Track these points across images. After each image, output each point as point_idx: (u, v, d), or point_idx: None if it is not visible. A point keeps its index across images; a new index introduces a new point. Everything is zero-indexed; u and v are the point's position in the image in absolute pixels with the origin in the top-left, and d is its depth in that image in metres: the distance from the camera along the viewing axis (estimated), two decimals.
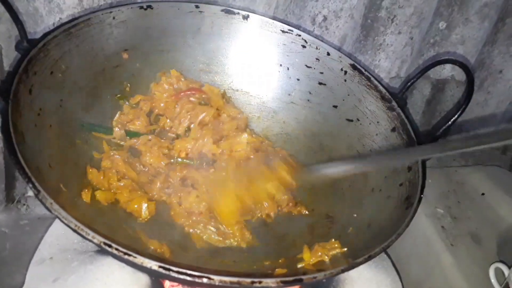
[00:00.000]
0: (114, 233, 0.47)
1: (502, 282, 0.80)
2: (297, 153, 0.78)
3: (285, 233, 0.66)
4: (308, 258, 0.56)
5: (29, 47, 0.58)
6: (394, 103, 0.69)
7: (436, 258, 0.88)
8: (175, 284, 0.68)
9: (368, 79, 0.74)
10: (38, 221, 0.95)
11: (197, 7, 0.76)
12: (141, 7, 0.72)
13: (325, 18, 0.97)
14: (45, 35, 0.61)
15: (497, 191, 1.01)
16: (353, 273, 0.61)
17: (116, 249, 0.40)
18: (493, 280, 0.81)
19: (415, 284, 0.88)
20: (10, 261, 0.88)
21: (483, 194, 1.02)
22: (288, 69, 0.80)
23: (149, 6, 0.73)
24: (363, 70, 0.75)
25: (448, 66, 1.19)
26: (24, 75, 0.55)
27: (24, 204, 1.00)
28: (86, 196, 0.58)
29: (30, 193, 1.01)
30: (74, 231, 0.41)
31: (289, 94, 0.81)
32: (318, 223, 0.67)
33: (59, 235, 0.62)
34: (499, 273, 0.82)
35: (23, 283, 0.65)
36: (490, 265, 0.83)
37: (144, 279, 0.54)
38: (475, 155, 1.27)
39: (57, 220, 0.68)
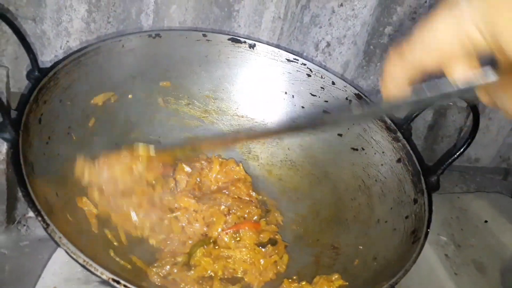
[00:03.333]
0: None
1: None
2: (302, 180, 0.78)
3: (289, 264, 0.65)
4: None
5: (40, 77, 0.58)
6: (399, 133, 0.70)
7: (440, 286, 0.87)
8: None
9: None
10: (38, 243, 0.94)
11: (204, 35, 0.77)
12: (150, 35, 0.73)
13: (328, 44, 0.99)
14: (56, 64, 0.61)
15: (500, 218, 1.01)
16: None
17: (125, 285, 0.39)
18: None
19: None
20: (9, 282, 0.87)
21: (486, 221, 1.01)
22: (293, 96, 0.81)
23: (158, 35, 0.74)
24: (368, 100, 0.76)
25: None
26: (35, 105, 0.56)
27: (24, 225, 0.99)
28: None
29: (31, 214, 1.00)
30: (83, 266, 0.41)
31: (293, 121, 0.81)
32: (323, 254, 0.66)
33: (62, 263, 0.61)
34: None
35: None
36: None
37: None
38: (477, 181, 1.27)
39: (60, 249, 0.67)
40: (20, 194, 0.97)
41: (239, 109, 0.82)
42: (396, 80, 0.36)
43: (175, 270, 0.59)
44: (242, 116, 0.83)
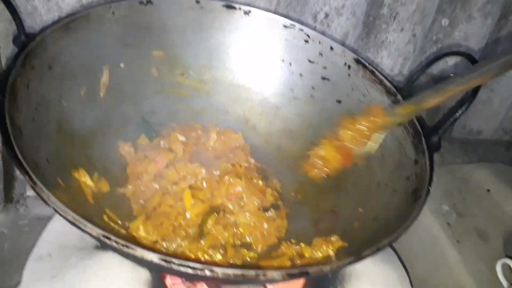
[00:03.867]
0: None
1: (509, 277, 0.79)
2: (300, 149, 0.76)
3: (288, 229, 0.64)
4: (309, 253, 0.55)
5: (27, 41, 0.57)
6: (399, 96, 0.68)
7: (442, 254, 0.86)
8: (177, 282, 0.66)
9: (373, 73, 0.73)
10: (37, 221, 0.94)
11: (197, 2, 0.75)
12: (141, 2, 0.71)
13: (326, 15, 0.96)
14: (43, 29, 0.60)
15: (502, 187, 1.00)
16: (359, 268, 0.60)
17: (116, 241, 0.38)
18: (500, 276, 0.80)
19: (421, 281, 0.87)
20: (9, 261, 0.87)
21: (488, 190, 1.00)
22: (290, 64, 0.79)
23: (149, 2, 0.72)
24: (367, 64, 0.74)
25: (451, 63, 1.18)
26: (22, 69, 0.54)
27: (23, 204, 0.99)
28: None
29: (29, 193, 1.00)
30: (72, 223, 0.40)
31: (291, 90, 0.80)
32: (322, 219, 0.65)
33: (57, 233, 0.60)
34: (506, 268, 0.81)
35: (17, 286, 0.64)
36: (497, 261, 0.82)
37: (145, 274, 0.53)
38: (479, 152, 1.26)
39: (55, 218, 0.67)
40: (17, 173, 0.97)
41: (235, 78, 0.81)
42: None
43: (185, 243, 0.58)
44: (239, 86, 0.81)
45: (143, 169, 0.66)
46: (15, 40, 0.57)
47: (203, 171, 0.64)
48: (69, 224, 0.62)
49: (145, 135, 0.72)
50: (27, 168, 0.42)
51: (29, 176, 0.42)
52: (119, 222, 0.56)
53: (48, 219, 0.75)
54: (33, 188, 0.41)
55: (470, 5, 1.07)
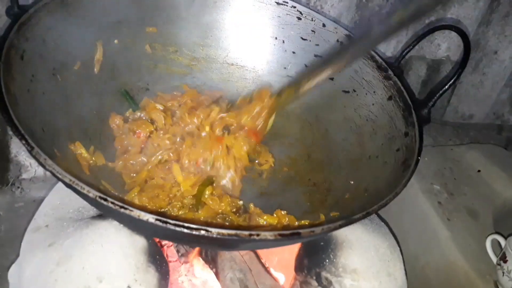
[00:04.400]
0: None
1: (498, 253, 0.80)
2: (293, 126, 0.77)
3: (281, 202, 0.65)
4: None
5: (20, 13, 0.57)
6: (390, 72, 0.69)
7: (433, 232, 0.88)
8: (173, 255, 0.67)
9: None
10: (33, 204, 0.94)
11: None
12: None
13: None
14: (36, 1, 0.60)
15: (493, 167, 1.01)
16: (351, 236, 0.61)
17: (112, 202, 0.39)
18: (490, 251, 0.82)
19: (413, 257, 0.88)
20: (5, 243, 0.87)
21: (479, 171, 1.02)
22: (283, 42, 0.79)
23: None
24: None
25: (443, 46, 1.19)
26: (15, 40, 0.54)
27: (18, 187, 0.99)
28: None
29: (25, 175, 1.00)
30: (69, 186, 0.41)
31: (284, 68, 0.80)
32: (314, 192, 0.66)
33: (54, 205, 0.61)
34: (495, 244, 0.83)
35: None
36: (486, 237, 0.83)
37: (141, 241, 0.54)
38: (471, 136, 1.27)
39: (51, 193, 0.67)
40: (12, 155, 0.97)
41: (228, 56, 0.81)
42: None
43: (181, 212, 0.58)
44: (232, 64, 0.81)
45: (128, 143, 0.66)
46: (8, 11, 0.57)
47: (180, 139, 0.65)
48: (65, 198, 0.63)
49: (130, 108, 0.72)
50: (23, 132, 0.43)
51: (26, 140, 0.42)
52: (116, 194, 0.57)
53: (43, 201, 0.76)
54: (30, 152, 0.41)
55: None
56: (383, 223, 0.68)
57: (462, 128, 1.28)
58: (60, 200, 0.61)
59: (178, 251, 0.67)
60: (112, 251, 0.51)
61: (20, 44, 0.55)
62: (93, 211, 0.59)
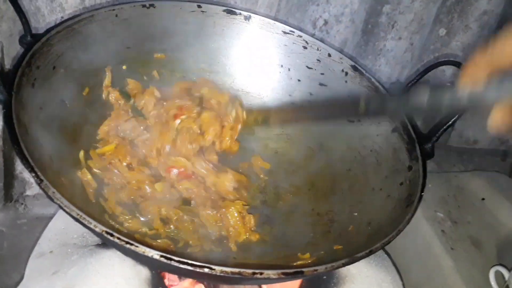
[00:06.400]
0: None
1: (502, 285, 0.80)
2: (297, 153, 0.78)
3: (284, 231, 0.66)
4: (308, 257, 0.56)
5: (33, 42, 0.58)
6: None
7: (436, 261, 0.87)
8: (174, 283, 0.67)
9: (369, 80, 0.74)
10: (35, 221, 0.94)
11: (199, 6, 0.76)
12: (144, 5, 0.73)
13: (326, 22, 0.98)
14: (48, 30, 0.61)
15: (497, 196, 1.01)
16: (354, 270, 0.61)
17: (118, 238, 0.39)
18: (493, 283, 0.81)
19: (415, 287, 0.87)
20: (8, 259, 0.87)
21: (483, 199, 1.02)
22: (289, 70, 0.81)
23: (152, 5, 0.73)
24: (364, 72, 0.75)
25: (448, 72, 1.20)
26: (27, 69, 0.55)
27: (22, 204, 1.00)
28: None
29: (28, 192, 1.01)
30: (76, 220, 0.41)
31: (289, 95, 0.81)
32: (318, 222, 0.67)
33: (58, 230, 0.61)
34: (499, 276, 0.82)
35: (20, 282, 0.65)
36: (490, 268, 0.83)
37: (145, 272, 0.54)
38: (475, 162, 1.27)
39: (56, 216, 0.68)
40: (17, 172, 0.98)
41: (234, 82, 0.82)
42: (474, 75, 0.42)
43: None
44: (238, 90, 0.82)
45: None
46: (21, 40, 0.58)
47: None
48: (69, 223, 0.63)
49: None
50: (34, 166, 0.44)
51: (35, 173, 0.43)
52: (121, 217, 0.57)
53: (46, 218, 0.76)
54: (39, 185, 0.42)
55: (467, 15, 1.09)
56: (386, 255, 0.68)
57: (466, 153, 1.28)
58: (65, 224, 0.61)
59: (179, 277, 0.67)
60: (116, 281, 0.51)
61: (31, 73, 0.56)
62: (96, 238, 0.60)
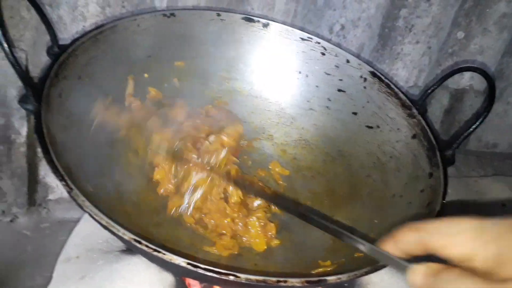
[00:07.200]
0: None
1: None
2: (316, 159, 0.78)
3: (303, 238, 0.66)
4: (329, 264, 0.57)
5: (60, 52, 0.60)
6: (414, 110, 0.70)
7: None
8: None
9: (388, 86, 0.74)
10: (58, 225, 0.96)
11: (218, 15, 0.77)
12: (165, 15, 0.74)
13: (342, 27, 0.98)
14: (74, 41, 0.63)
15: None
16: (375, 278, 0.61)
17: (146, 245, 0.41)
18: None
19: None
20: (31, 263, 0.89)
21: (503, 205, 1.00)
22: (307, 76, 0.81)
23: (172, 14, 0.75)
24: (382, 77, 0.75)
25: (466, 76, 1.19)
26: (55, 79, 0.57)
27: (45, 208, 1.02)
28: None
29: (51, 196, 1.03)
30: (105, 227, 0.42)
31: (308, 101, 0.81)
32: None
33: (84, 236, 0.63)
34: None
35: (43, 285, 0.66)
36: None
37: (169, 278, 0.55)
38: (494, 166, 1.25)
39: (81, 222, 0.69)
40: (40, 177, 1.00)
41: (253, 89, 0.83)
42: (401, 244, 0.43)
43: None
44: (256, 97, 0.83)
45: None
46: (48, 51, 0.60)
47: None
48: (94, 228, 0.65)
49: None
50: (63, 174, 0.45)
51: (66, 182, 0.44)
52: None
53: (68, 222, 0.78)
54: (69, 194, 0.44)
55: (486, 18, 1.08)
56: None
57: (486, 157, 1.26)
58: (90, 230, 0.63)
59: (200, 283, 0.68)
60: (142, 287, 0.52)
61: (59, 83, 0.58)
62: (121, 243, 0.61)
